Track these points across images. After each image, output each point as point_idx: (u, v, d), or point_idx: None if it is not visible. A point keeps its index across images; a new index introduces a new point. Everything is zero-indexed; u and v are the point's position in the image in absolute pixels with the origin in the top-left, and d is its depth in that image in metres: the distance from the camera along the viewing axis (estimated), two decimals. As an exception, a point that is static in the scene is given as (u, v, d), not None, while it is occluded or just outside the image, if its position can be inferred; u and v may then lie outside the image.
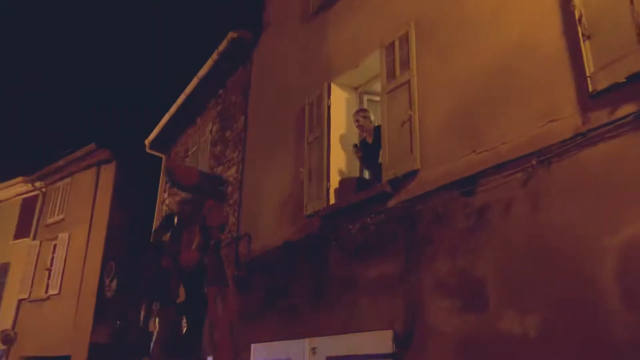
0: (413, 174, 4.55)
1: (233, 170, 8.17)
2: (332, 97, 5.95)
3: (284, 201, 6.46)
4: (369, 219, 4.88)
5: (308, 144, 6.10)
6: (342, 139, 5.90)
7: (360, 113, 5.66)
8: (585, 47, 3.39)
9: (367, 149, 5.56)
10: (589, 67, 3.34)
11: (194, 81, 9.44)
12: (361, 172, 5.88)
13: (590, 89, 3.32)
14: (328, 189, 5.60)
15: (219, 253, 4.91)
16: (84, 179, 13.80)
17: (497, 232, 3.73)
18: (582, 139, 3.32)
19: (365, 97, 6.19)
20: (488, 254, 3.74)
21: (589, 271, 3.15)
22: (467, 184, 4.02)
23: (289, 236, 6.07)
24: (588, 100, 3.35)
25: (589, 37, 3.38)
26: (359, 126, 5.63)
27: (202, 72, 9.24)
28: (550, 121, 3.54)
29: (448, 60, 4.50)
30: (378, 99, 6.17)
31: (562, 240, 3.32)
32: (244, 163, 7.79)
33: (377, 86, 6.08)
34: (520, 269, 3.51)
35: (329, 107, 5.91)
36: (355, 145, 5.54)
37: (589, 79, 3.33)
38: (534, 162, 3.54)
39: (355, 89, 6.17)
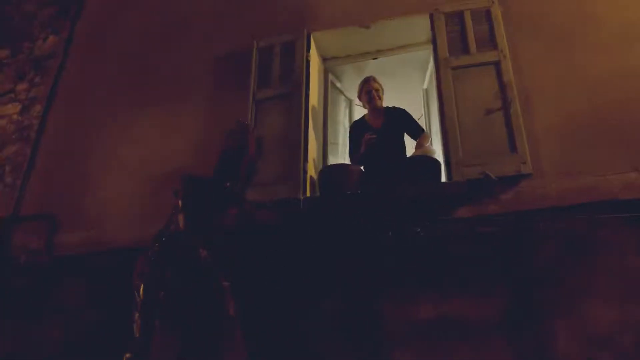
0: (516, 179, 3.17)
1: (10, 109, 4.81)
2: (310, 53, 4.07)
3: (168, 174, 3.88)
4: (419, 229, 3.13)
5: (255, 103, 3.91)
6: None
7: (376, 83, 3.97)
8: None
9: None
10: None
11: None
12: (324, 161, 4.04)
13: None
14: (305, 172, 3.54)
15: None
16: None
17: None
18: None
19: (330, 77, 4.48)
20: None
21: None
22: (630, 209, 2.91)
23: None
24: None
25: None
26: (371, 100, 3.90)
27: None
28: None
29: (565, 53, 3.50)
30: (339, 84, 4.61)
31: None
32: (51, 102, 4.63)
33: (350, 70, 4.59)
34: None
35: (308, 62, 3.98)
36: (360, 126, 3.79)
37: None
38: None
39: (325, 60, 4.42)
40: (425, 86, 4.64)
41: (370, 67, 4.54)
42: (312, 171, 3.62)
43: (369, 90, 3.88)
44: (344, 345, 2.95)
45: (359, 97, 4.01)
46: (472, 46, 3.64)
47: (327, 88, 4.38)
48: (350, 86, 4.77)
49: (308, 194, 3.48)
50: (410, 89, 4.78)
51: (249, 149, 3.35)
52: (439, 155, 3.77)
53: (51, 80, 4.73)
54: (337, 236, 3.21)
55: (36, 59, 5.03)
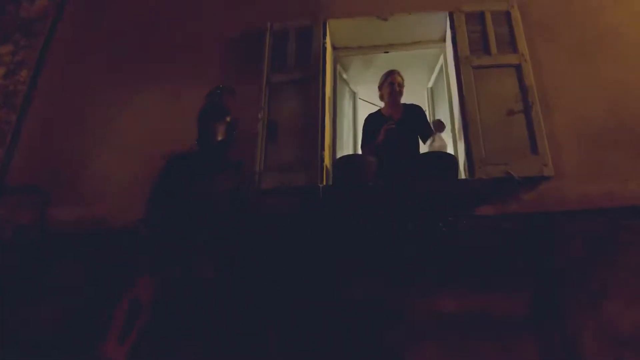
0: (538, 180, 3.20)
1: (-6, 72, 4.47)
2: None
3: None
4: (441, 223, 3.12)
5: (269, 86, 3.79)
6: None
7: (399, 77, 3.93)
8: None
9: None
10: None
11: None
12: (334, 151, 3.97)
13: None
14: (322, 159, 3.45)
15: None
16: None
17: None
18: None
19: (338, 67, 4.41)
20: None
21: None
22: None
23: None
24: None
25: None
26: (393, 92, 3.89)
27: None
28: None
29: (585, 61, 3.58)
30: (345, 75, 4.55)
31: None
32: (41, 67, 4.33)
33: (357, 62, 4.55)
34: None
35: (324, 49, 3.90)
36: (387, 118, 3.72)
37: None
38: None
39: (335, 49, 4.35)
40: (430, 85, 4.65)
41: (379, 61, 4.50)
42: (326, 160, 3.54)
43: (391, 83, 3.84)
44: (364, 338, 2.89)
45: (380, 88, 3.97)
46: (493, 47, 3.67)
47: (335, 78, 4.31)
48: (356, 79, 4.73)
49: (324, 183, 3.39)
50: (414, 87, 4.77)
51: (226, 108, 2.88)
52: (450, 150, 3.79)
53: (41, 44, 4.42)
54: (357, 227, 3.14)
55: (22, 22, 4.70)
